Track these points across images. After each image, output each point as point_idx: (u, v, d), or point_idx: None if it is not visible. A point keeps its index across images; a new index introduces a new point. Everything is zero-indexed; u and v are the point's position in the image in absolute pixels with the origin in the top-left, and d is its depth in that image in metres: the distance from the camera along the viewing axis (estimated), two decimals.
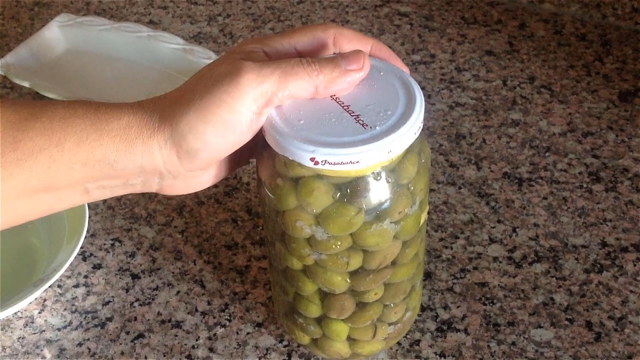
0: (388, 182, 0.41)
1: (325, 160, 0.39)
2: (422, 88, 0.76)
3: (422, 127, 0.41)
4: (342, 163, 0.39)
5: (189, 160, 0.40)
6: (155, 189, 0.43)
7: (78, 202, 0.42)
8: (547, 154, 0.68)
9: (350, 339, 0.49)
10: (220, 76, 0.39)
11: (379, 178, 0.41)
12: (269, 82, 0.39)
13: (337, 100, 0.42)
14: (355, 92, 0.42)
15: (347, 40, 0.44)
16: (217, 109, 0.39)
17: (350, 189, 0.41)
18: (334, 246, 0.43)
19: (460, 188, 0.65)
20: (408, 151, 0.42)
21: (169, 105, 0.40)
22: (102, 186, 0.41)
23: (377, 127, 0.40)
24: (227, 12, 0.91)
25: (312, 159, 0.39)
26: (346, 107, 0.41)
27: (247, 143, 0.41)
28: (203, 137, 0.39)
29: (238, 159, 0.46)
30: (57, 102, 0.41)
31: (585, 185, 0.65)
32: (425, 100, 0.75)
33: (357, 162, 0.39)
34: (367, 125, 0.40)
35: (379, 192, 0.41)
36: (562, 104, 0.73)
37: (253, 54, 0.42)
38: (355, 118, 0.40)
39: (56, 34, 0.83)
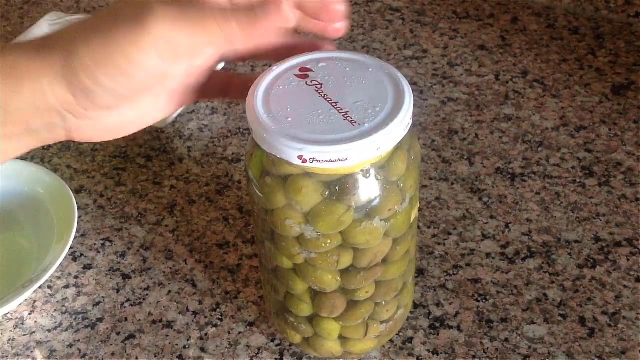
0: (377, 179, 0.41)
1: (314, 158, 0.38)
2: (414, 83, 0.76)
3: (411, 123, 0.41)
4: (330, 161, 0.38)
5: (85, 99, 0.36)
6: (64, 136, 0.39)
7: None
8: (539, 148, 0.68)
9: (342, 338, 0.49)
10: (127, 15, 0.35)
11: (368, 175, 0.41)
12: (179, 35, 0.35)
13: (326, 97, 0.41)
14: (344, 89, 0.42)
15: None
16: (113, 54, 0.34)
17: (339, 187, 0.40)
18: (323, 244, 0.42)
19: (452, 184, 0.65)
20: (397, 148, 0.41)
21: (65, 38, 0.36)
22: (6, 136, 0.37)
23: (365, 124, 0.39)
24: None
25: (300, 157, 0.38)
26: (334, 104, 0.41)
27: (211, 78, 0.38)
28: (96, 79, 0.35)
29: (191, 91, 0.40)
30: None
31: (578, 180, 0.64)
32: (417, 96, 0.75)
33: (346, 159, 0.38)
34: (355, 122, 0.39)
35: (368, 190, 0.41)
36: (555, 98, 0.73)
37: None
38: (343, 115, 0.40)
39: (46, 33, 0.82)
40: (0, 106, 0.36)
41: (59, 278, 0.59)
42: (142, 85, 0.37)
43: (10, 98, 0.36)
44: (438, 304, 0.55)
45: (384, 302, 0.48)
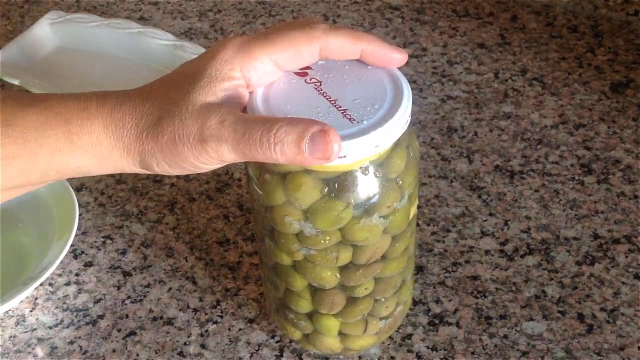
0: (376, 176, 0.41)
1: None
2: (414, 82, 0.76)
3: (410, 120, 0.41)
4: None
5: (162, 173, 0.41)
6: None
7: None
8: (538, 146, 0.68)
9: (342, 334, 0.49)
10: (193, 138, 0.39)
11: (367, 172, 0.41)
12: (232, 158, 0.39)
13: (325, 94, 0.41)
14: (343, 86, 0.42)
15: (333, 53, 0.42)
16: (182, 162, 0.40)
17: (338, 184, 0.41)
18: (322, 241, 0.43)
19: (452, 181, 0.65)
20: (396, 145, 0.41)
21: (140, 130, 0.40)
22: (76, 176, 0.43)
23: (364, 121, 0.39)
24: (217, 7, 0.91)
25: None
26: (333, 102, 0.41)
27: None
28: (169, 172, 0.41)
29: None
30: (28, 105, 0.41)
31: (577, 178, 0.64)
32: (416, 94, 0.75)
33: (345, 156, 0.38)
34: (354, 120, 0.40)
35: (367, 187, 0.41)
36: (554, 96, 0.73)
37: (230, 88, 0.40)
38: (342, 112, 0.40)
39: (46, 31, 0.82)
40: (83, 172, 0.42)
41: (60, 275, 0.60)
42: (208, 171, 0.42)
43: (93, 169, 0.42)
44: (437, 301, 0.55)
45: (383, 299, 0.48)
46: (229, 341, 0.54)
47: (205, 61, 0.41)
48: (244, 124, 0.38)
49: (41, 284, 0.58)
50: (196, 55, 0.44)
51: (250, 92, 0.42)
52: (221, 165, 0.41)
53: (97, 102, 0.41)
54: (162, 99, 0.40)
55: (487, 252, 0.59)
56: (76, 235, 0.62)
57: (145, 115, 0.40)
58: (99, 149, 0.40)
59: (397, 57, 0.43)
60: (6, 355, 0.54)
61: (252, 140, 0.38)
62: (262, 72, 0.41)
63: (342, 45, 0.42)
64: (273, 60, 0.41)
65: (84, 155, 0.40)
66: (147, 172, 0.42)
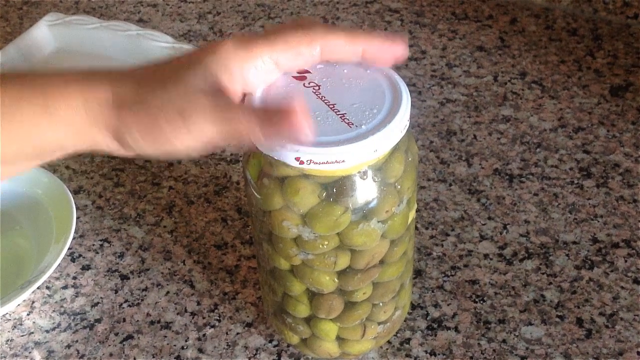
0: (374, 181, 0.41)
1: (311, 160, 0.38)
2: (413, 84, 0.76)
3: (408, 125, 0.41)
4: (327, 162, 0.38)
5: (135, 149, 0.40)
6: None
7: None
8: (537, 149, 0.68)
9: (340, 339, 0.49)
10: (174, 111, 0.38)
11: (365, 177, 0.41)
12: (214, 136, 0.39)
13: (323, 99, 0.41)
14: (341, 91, 0.42)
15: (334, 54, 0.42)
16: (162, 146, 0.39)
17: (336, 188, 0.40)
18: (321, 246, 0.42)
19: (450, 185, 0.65)
20: (395, 149, 0.41)
21: (119, 106, 0.39)
22: (52, 156, 0.42)
23: (362, 126, 0.39)
24: (217, 9, 0.91)
25: (297, 159, 0.38)
26: (332, 106, 0.41)
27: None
28: (149, 152, 0.40)
29: None
30: (8, 82, 0.40)
31: (576, 181, 0.64)
32: (415, 97, 0.75)
33: (343, 161, 0.38)
34: (352, 124, 0.39)
35: (365, 191, 0.41)
36: (553, 100, 0.73)
37: (225, 81, 0.40)
38: (340, 117, 0.40)
39: (45, 33, 0.82)
40: (62, 148, 0.41)
41: (57, 279, 0.59)
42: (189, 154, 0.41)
43: (70, 143, 0.40)
44: (436, 305, 0.55)
45: (381, 303, 0.48)
46: (227, 345, 0.54)
47: (203, 55, 0.40)
48: (226, 101, 0.38)
49: (38, 287, 0.58)
50: None
51: (248, 95, 0.42)
52: (198, 148, 0.39)
53: (82, 78, 0.40)
54: (152, 78, 0.40)
55: (485, 256, 0.59)
56: (74, 238, 0.62)
57: (131, 92, 0.39)
58: (76, 121, 0.39)
59: (398, 51, 0.42)
60: (3, 359, 0.54)
61: (233, 117, 0.38)
62: (262, 70, 0.41)
63: (342, 45, 0.42)
64: (274, 59, 0.41)
65: (62, 129, 0.39)
66: (121, 153, 0.41)
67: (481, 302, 0.55)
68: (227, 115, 0.38)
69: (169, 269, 0.60)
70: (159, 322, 0.56)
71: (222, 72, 0.40)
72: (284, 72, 0.42)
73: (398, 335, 0.53)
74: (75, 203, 0.60)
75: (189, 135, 0.39)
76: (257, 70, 0.41)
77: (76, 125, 0.40)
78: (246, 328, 0.55)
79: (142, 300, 0.57)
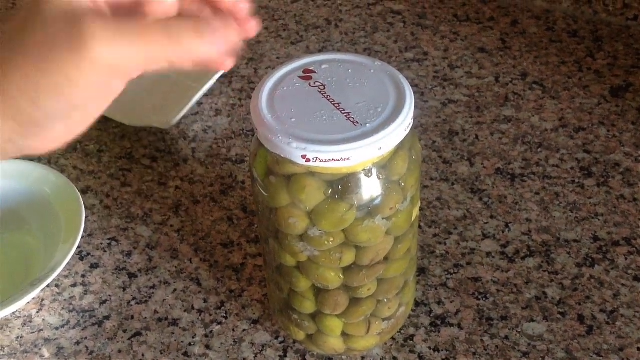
0: (379, 178, 0.42)
1: (317, 158, 0.39)
2: (415, 85, 0.77)
3: (412, 123, 0.42)
4: (333, 160, 0.39)
5: (30, 125, 0.34)
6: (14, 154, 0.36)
7: None
8: (539, 149, 0.68)
9: (345, 335, 0.50)
10: (61, 39, 0.32)
11: (370, 174, 0.41)
12: (119, 56, 0.32)
13: (329, 97, 0.42)
14: (346, 90, 0.43)
15: None
16: (53, 77, 0.32)
17: (341, 186, 0.41)
18: (326, 242, 0.43)
19: (453, 184, 0.66)
20: (399, 147, 0.42)
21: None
22: None
23: (367, 124, 0.40)
24: None
25: (303, 157, 0.39)
26: (337, 105, 0.42)
27: None
28: (39, 103, 0.33)
29: None
30: None
31: (577, 180, 0.65)
32: (418, 98, 0.76)
33: (348, 159, 0.39)
34: (357, 123, 0.40)
35: (370, 189, 0.42)
36: (554, 100, 0.74)
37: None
38: (346, 115, 0.41)
39: None
40: None
41: (66, 277, 0.60)
42: (87, 101, 0.34)
43: None
44: (439, 302, 0.56)
45: (385, 300, 0.48)
46: (234, 342, 0.55)
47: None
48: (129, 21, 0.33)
49: (48, 286, 0.59)
50: None
51: (254, 96, 0.42)
52: (104, 85, 0.33)
53: None
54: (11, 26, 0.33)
55: (488, 254, 0.59)
56: (82, 237, 0.63)
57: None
58: None
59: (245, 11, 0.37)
60: (13, 355, 0.55)
61: (143, 32, 0.32)
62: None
63: None
64: None
65: None
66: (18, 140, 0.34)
67: (484, 299, 0.56)
68: (135, 32, 0.32)
69: (176, 267, 0.60)
70: (166, 319, 0.57)
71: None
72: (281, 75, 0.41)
73: (402, 331, 0.54)
74: (83, 202, 0.61)
75: (97, 71, 0.32)
76: None
77: None
78: (252, 325, 0.56)
79: (149, 297, 0.58)
